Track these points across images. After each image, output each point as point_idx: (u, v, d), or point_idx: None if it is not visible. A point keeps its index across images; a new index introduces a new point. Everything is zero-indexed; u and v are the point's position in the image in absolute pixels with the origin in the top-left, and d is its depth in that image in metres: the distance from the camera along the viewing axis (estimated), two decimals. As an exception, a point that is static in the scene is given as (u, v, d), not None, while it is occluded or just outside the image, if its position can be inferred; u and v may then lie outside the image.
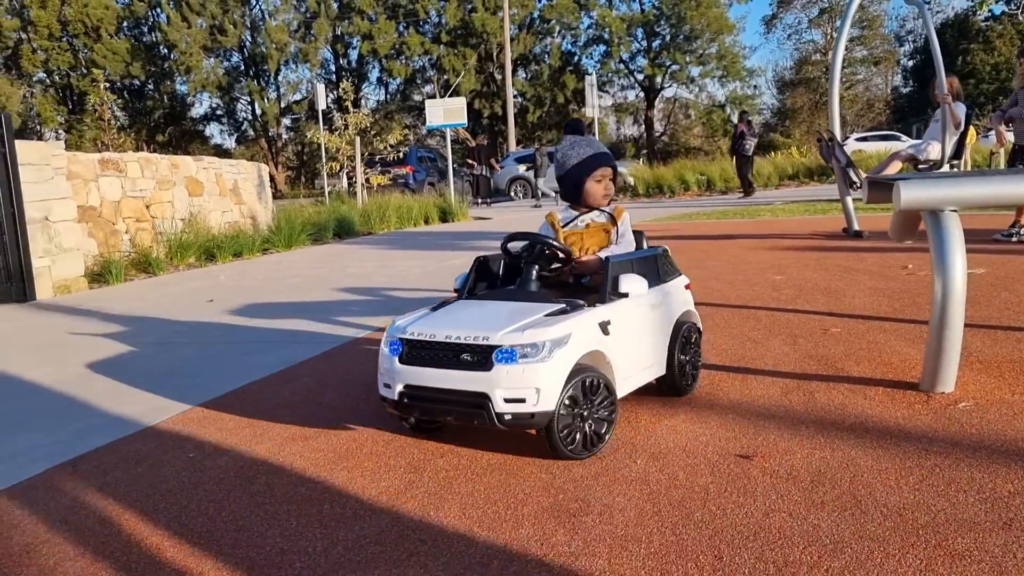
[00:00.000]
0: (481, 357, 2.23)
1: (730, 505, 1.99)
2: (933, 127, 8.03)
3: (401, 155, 18.53)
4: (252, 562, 1.85)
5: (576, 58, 41.91)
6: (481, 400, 2.21)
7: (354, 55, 43.94)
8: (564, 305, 2.43)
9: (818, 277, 5.40)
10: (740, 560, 1.72)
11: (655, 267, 2.85)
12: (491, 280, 2.88)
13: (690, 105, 44.02)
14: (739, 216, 11.33)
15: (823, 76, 41.83)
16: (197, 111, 46.58)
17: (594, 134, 22.37)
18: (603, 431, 2.37)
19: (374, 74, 44.66)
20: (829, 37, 43.95)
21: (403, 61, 41.10)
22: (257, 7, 42.79)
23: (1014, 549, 1.69)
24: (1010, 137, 7.33)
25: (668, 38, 40.15)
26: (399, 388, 2.36)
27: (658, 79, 41.54)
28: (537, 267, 2.67)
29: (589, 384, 2.31)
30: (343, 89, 17.26)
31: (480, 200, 20.38)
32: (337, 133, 16.36)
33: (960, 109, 7.53)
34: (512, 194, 23.57)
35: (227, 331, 4.82)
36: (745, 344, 3.66)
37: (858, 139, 30.39)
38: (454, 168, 17.78)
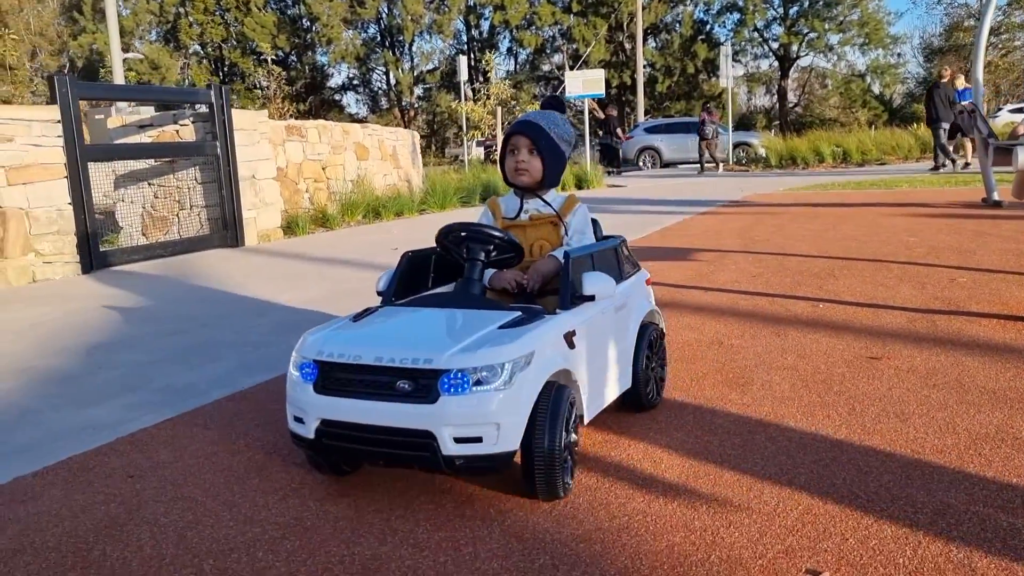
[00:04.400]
0: (423, 385, 1.81)
1: (861, 384, 2.68)
2: None
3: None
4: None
5: (708, 27, 41.35)
6: (424, 440, 1.79)
7: (485, 25, 44.96)
8: (519, 313, 2.03)
9: (950, 240, 5.81)
10: (868, 411, 2.42)
11: (616, 262, 2.48)
12: (420, 281, 2.46)
13: (827, 75, 42.61)
14: (876, 187, 11.50)
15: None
16: (335, 81, 48.89)
17: (723, 106, 22.34)
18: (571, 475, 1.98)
19: (504, 44, 45.59)
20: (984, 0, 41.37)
21: (533, 31, 41.76)
22: (395, -20, 44.43)
23: (1080, 414, 2.32)
24: None
25: (806, 4, 38.93)
26: (315, 424, 1.89)
27: (794, 48, 40.42)
28: (480, 265, 2.24)
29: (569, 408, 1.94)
30: (486, 61, 18.16)
31: (608, 169, 20.96)
32: (480, 103, 17.31)
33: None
34: (640, 163, 23.98)
35: (422, 270, 5.76)
36: (877, 288, 4.25)
37: (1012, 110, 28.81)
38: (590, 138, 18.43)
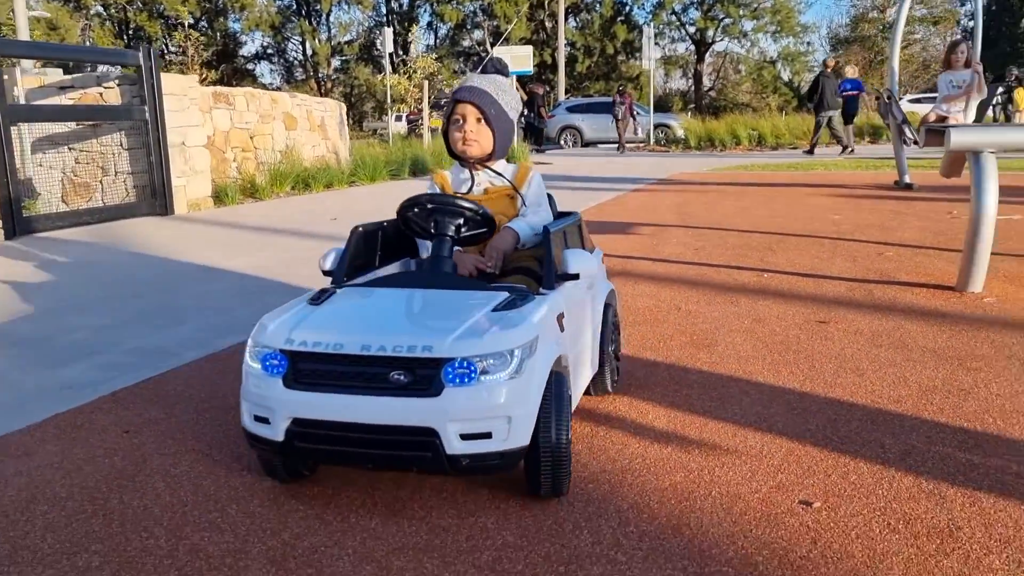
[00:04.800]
0: (422, 376, 1.62)
1: (816, 344, 2.90)
2: (951, 91, 8.36)
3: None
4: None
5: (628, 8, 41.95)
6: (425, 439, 1.60)
7: (406, -2, 44.32)
8: (508, 294, 1.84)
9: (872, 218, 6.19)
10: (827, 368, 2.63)
11: (580, 239, 2.38)
12: (368, 258, 2.27)
13: (741, 60, 43.88)
14: (794, 169, 12.02)
15: (879, 35, 41.33)
16: (248, 50, 47.45)
17: (640, 87, 22.71)
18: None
19: (424, 18, 45.07)
20: (888, -6, 43.22)
21: (455, 5, 41.45)
22: (313, -54, 43.23)
23: (1011, 366, 2.57)
24: None
25: (723, -9, 39.98)
26: (284, 424, 1.66)
27: (710, 32, 41.47)
28: (450, 242, 2.08)
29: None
30: (412, 33, 17.99)
31: (532, 148, 21.10)
32: (407, 76, 17.15)
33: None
34: (562, 142, 24.22)
35: (368, 240, 5.77)
36: (814, 260, 4.52)
37: (911, 100, 30.29)
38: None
